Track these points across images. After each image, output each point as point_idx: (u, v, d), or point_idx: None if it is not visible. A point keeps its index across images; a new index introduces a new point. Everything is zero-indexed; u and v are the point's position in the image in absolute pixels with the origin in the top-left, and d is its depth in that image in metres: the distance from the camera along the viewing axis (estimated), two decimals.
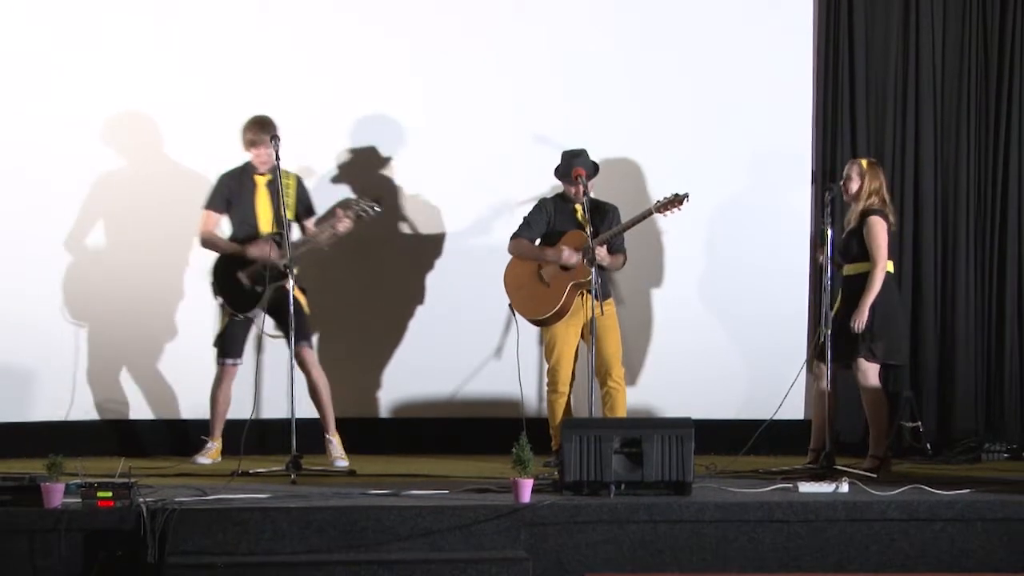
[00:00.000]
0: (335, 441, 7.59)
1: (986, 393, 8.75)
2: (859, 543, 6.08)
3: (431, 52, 8.47)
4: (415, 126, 8.48)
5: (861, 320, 7.29)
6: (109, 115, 8.24)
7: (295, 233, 7.64)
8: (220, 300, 7.58)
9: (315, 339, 7.85)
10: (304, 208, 7.71)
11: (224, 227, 7.74)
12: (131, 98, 8.26)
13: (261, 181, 7.59)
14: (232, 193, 7.58)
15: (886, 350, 7.41)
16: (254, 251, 7.45)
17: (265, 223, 7.56)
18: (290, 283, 7.22)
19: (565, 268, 7.50)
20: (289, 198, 7.52)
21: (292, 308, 7.12)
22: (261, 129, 7.48)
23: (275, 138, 7.34)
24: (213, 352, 7.69)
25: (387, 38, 8.45)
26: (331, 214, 7.55)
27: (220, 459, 7.59)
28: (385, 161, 8.51)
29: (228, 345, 7.59)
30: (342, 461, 7.49)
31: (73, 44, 8.22)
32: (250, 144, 7.52)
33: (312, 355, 7.60)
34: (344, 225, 7.42)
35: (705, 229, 8.47)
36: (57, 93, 8.20)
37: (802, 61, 8.68)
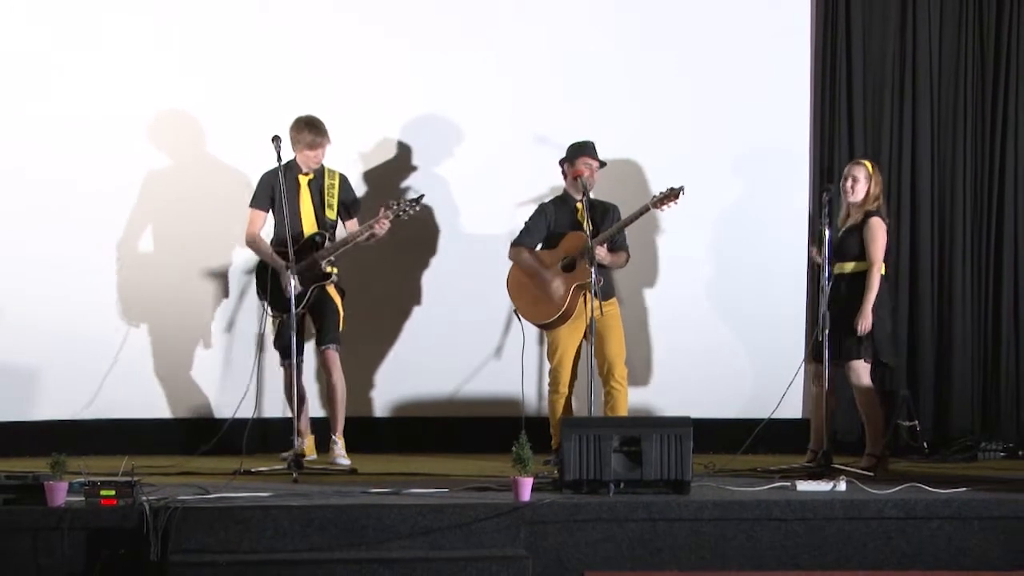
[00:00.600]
0: (340, 443, 7.59)
1: (982, 392, 8.78)
2: (857, 541, 6.11)
3: (431, 52, 8.49)
4: (414, 126, 8.50)
5: (866, 323, 7.34)
6: (111, 115, 8.25)
7: (339, 233, 7.63)
8: (261, 300, 7.58)
9: (308, 344, 7.78)
10: (345, 208, 7.67)
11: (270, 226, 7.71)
12: (135, 98, 8.28)
13: (304, 180, 7.58)
14: (275, 191, 7.52)
15: (879, 350, 7.46)
16: (282, 279, 7.36)
17: (308, 223, 7.55)
18: (333, 284, 7.39)
19: (567, 269, 7.52)
20: (332, 198, 7.56)
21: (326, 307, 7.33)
22: (318, 132, 7.52)
23: (276, 138, 7.35)
24: (276, 355, 7.70)
25: (387, 38, 8.47)
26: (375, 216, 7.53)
27: (315, 455, 7.61)
28: (385, 161, 8.53)
29: (287, 346, 7.45)
30: (344, 459, 7.52)
31: (74, 44, 8.23)
32: (308, 146, 7.51)
33: (335, 357, 7.56)
34: (381, 226, 7.40)
35: (704, 229, 8.49)
36: (56, 93, 8.21)
37: (800, 62, 8.70)
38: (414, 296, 8.55)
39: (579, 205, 7.55)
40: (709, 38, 8.59)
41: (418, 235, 8.48)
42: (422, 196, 7.54)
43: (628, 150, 8.49)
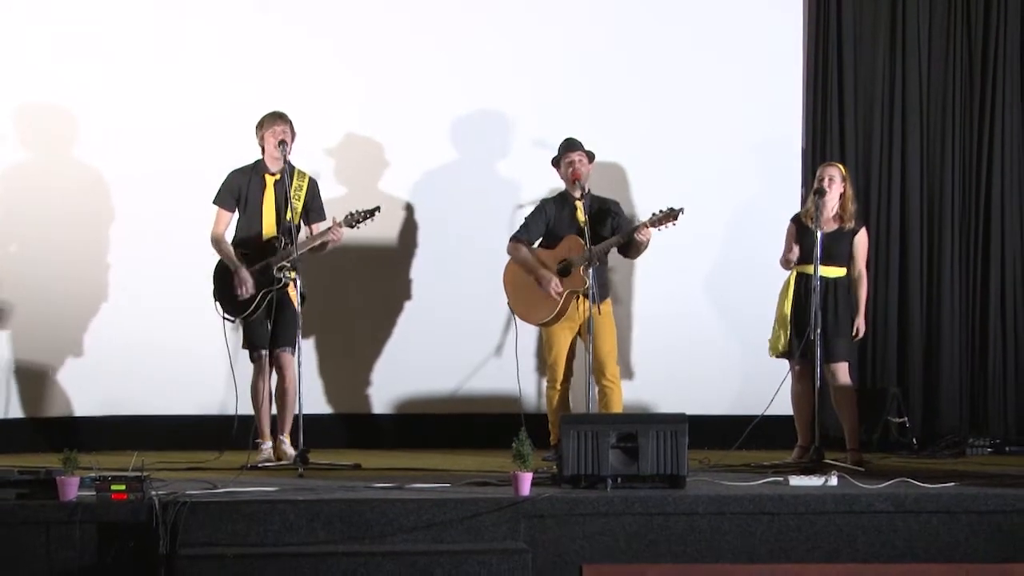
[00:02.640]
0: (288, 442, 7.41)
1: (970, 390, 8.80)
2: (848, 535, 6.12)
3: (432, 53, 8.50)
4: (415, 126, 8.48)
5: (863, 326, 7.51)
6: (117, 115, 8.27)
7: (302, 237, 7.43)
8: (216, 305, 7.43)
9: (309, 342, 7.72)
10: (307, 212, 7.48)
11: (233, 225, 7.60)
12: (146, 99, 8.30)
13: (270, 180, 7.41)
14: (240, 190, 7.44)
15: (853, 350, 7.66)
16: (242, 273, 7.28)
17: (269, 224, 7.40)
18: (287, 287, 7.19)
19: (563, 274, 7.49)
20: (298, 200, 7.40)
21: (285, 309, 7.18)
22: (281, 117, 7.39)
23: (283, 143, 7.33)
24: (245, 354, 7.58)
25: (386, 38, 8.46)
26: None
27: (276, 459, 7.38)
28: (387, 162, 8.53)
29: (254, 339, 7.42)
30: (291, 451, 7.35)
31: (79, 45, 8.23)
32: (271, 133, 7.34)
33: (290, 360, 7.36)
34: (336, 234, 7.28)
35: (698, 229, 8.43)
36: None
37: (794, 75, 8.74)
38: (416, 295, 8.56)
39: (578, 204, 7.53)
40: (706, 54, 8.64)
41: (420, 235, 8.51)
42: (378, 208, 7.35)
43: (624, 151, 8.51)
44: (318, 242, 7.33)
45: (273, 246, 7.35)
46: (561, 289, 7.37)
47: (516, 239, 7.65)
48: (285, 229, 7.32)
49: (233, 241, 7.49)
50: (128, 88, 8.28)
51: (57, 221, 8.25)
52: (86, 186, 8.30)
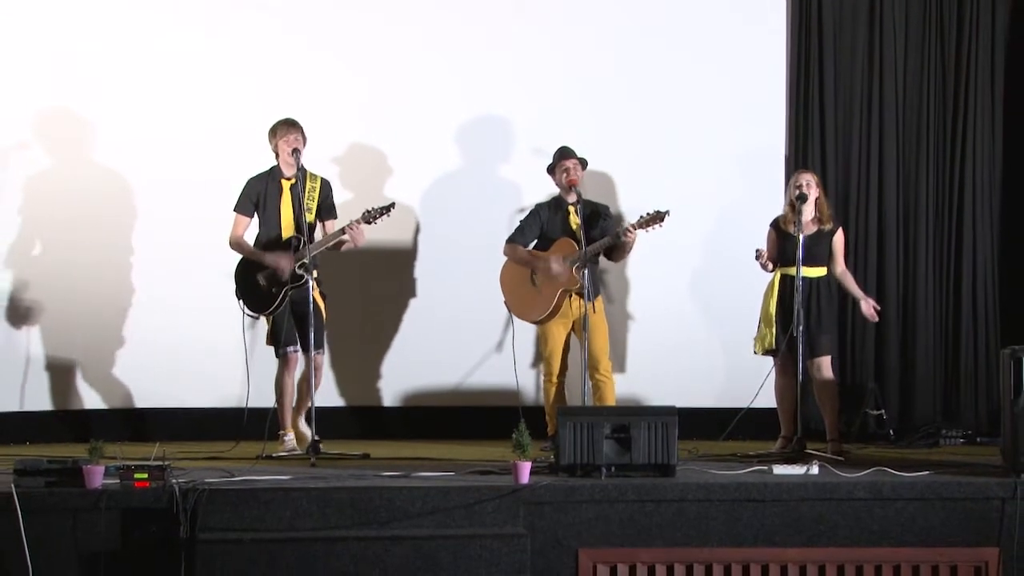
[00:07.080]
0: (304, 422, 7.41)
1: (944, 384, 8.80)
2: (828, 520, 6.13)
3: (435, 63, 8.50)
4: (420, 133, 8.49)
5: (871, 309, 7.55)
6: (133, 119, 8.27)
7: (318, 235, 7.41)
8: (240, 303, 7.41)
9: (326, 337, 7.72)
10: (321, 212, 7.47)
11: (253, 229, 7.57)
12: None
13: (286, 185, 7.40)
14: (259, 196, 7.45)
15: (834, 345, 7.63)
16: (269, 258, 7.31)
17: (287, 226, 7.39)
18: (309, 285, 7.16)
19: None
20: (312, 201, 7.41)
21: (311, 310, 7.13)
22: (293, 123, 7.39)
23: (296, 151, 7.34)
24: (270, 350, 7.52)
25: (391, 50, 8.47)
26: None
27: (298, 449, 7.36)
28: (392, 168, 8.53)
29: (281, 336, 7.38)
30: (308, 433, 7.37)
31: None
32: (285, 141, 7.34)
33: (323, 360, 7.46)
34: (358, 232, 7.26)
35: (687, 232, 8.46)
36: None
37: (777, 80, 8.74)
38: (421, 294, 8.57)
39: (571, 209, 7.56)
40: (696, 68, 8.63)
41: (425, 237, 8.51)
42: (392, 204, 7.35)
43: (617, 158, 8.52)
44: (333, 241, 7.32)
45: (292, 246, 7.33)
46: (564, 266, 7.37)
47: (512, 241, 7.68)
48: (302, 230, 7.32)
49: (254, 245, 7.47)
50: (145, 95, 8.29)
51: (81, 224, 8.26)
52: (108, 190, 8.32)
